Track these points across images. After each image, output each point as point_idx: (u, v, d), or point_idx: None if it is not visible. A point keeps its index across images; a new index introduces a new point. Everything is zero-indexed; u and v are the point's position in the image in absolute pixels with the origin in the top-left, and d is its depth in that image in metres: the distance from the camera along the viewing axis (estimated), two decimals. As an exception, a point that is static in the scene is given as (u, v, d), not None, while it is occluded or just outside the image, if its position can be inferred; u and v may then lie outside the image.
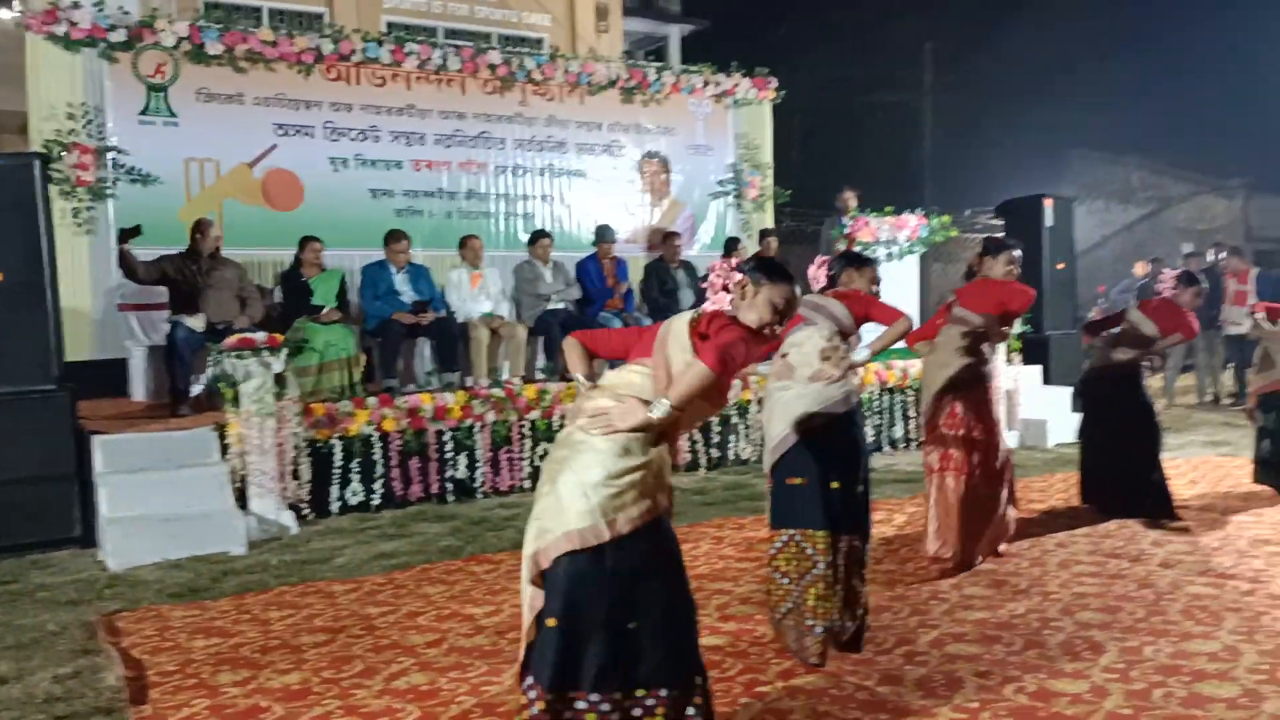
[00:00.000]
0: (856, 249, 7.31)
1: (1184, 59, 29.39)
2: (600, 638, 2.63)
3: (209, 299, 7.33)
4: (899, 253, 9.41)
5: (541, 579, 2.68)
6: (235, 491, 6.02)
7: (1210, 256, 12.23)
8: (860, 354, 4.14)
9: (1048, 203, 9.51)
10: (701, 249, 10.56)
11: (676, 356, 2.74)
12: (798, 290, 2.97)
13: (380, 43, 9.20)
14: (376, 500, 6.68)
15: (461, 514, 6.53)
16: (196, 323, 7.16)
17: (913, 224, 9.41)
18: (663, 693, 2.67)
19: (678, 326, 2.80)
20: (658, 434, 2.73)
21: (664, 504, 2.76)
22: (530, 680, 2.67)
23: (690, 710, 2.70)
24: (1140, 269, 15.73)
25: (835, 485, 3.75)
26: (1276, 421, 6.47)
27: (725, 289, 2.91)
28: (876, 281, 4.35)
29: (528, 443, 7.21)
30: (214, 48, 8.41)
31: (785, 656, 3.72)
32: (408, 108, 9.42)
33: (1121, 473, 5.95)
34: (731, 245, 9.68)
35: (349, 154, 9.21)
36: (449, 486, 6.93)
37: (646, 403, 2.68)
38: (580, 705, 2.62)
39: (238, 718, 3.35)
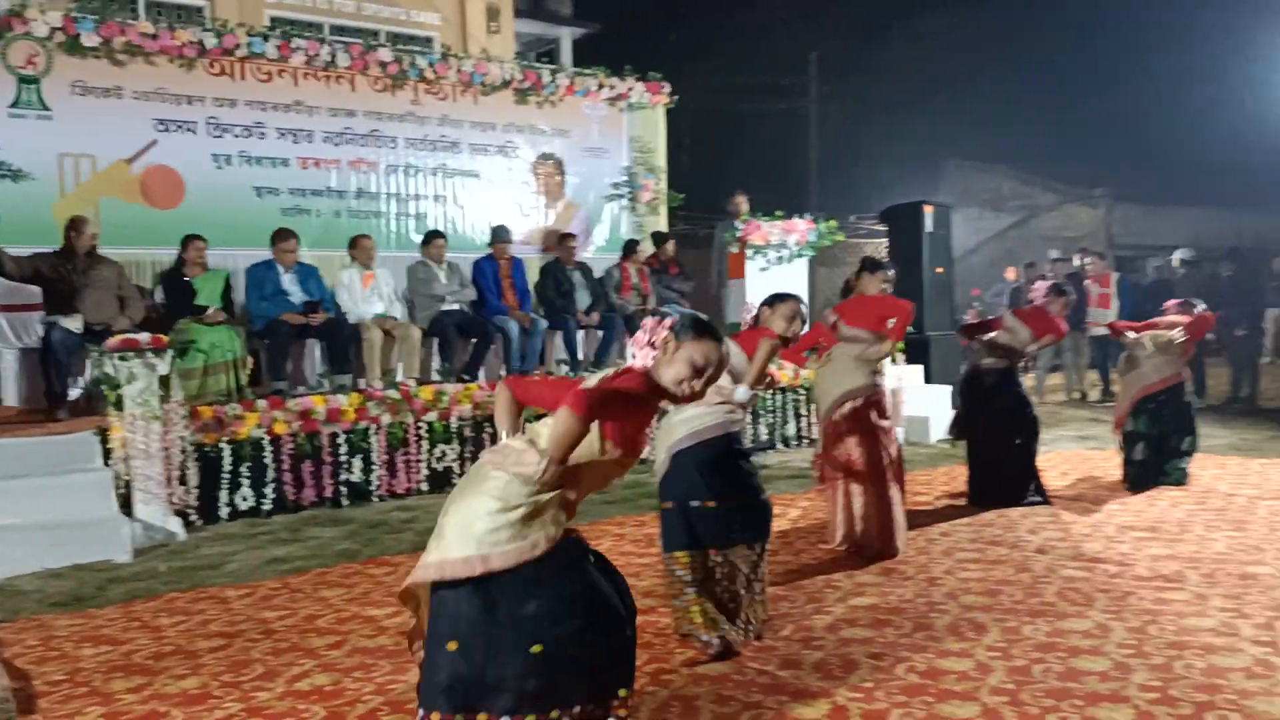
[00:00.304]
0: (749, 251, 7.50)
1: (1050, 76, 30.88)
2: (502, 660, 2.57)
3: (86, 299, 7.06)
4: (788, 256, 9.64)
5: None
6: (119, 497, 5.82)
7: (1077, 262, 12.85)
8: (741, 394, 4.11)
9: (928, 209, 9.87)
10: (596, 251, 10.62)
11: None
12: (724, 349, 2.80)
13: (266, 38, 8.98)
14: (268, 505, 6.53)
15: (357, 518, 6.45)
16: (74, 324, 6.90)
17: (801, 228, 9.66)
18: (576, 709, 2.61)
19: (589, 381, 2.72)
20: (556, 480, 2.67)
21: (550, 539, 2.66)
22: (426, 710, 2.60)
23: None
24: (1012, 274, 16.49)
25: (711, 504, 3.84)
26: (1148, 424, 6.86)
27: (651, 345, 2.72)
28: (798, 315, 4.49)
29: (424, 445, 7.15)
30: (90, 39, 8.09)
31: (688, 645, 3.80)
32: (295, 104, 9.21)
33: (1002, 465, 6.26)
34: (630, 248, 9.76)
35: (233, 151, 8.95)
36: (343, 490, 6.82)
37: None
38: None
39: (134, 724, 3.27)
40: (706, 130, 23.79)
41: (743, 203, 10.20)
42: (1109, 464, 7.50)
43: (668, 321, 2.76)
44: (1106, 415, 10.41)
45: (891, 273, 5.67)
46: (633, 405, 2.71)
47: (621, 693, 2.71)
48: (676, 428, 3.97)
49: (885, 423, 5.27)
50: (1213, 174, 25.84)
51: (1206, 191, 24.54)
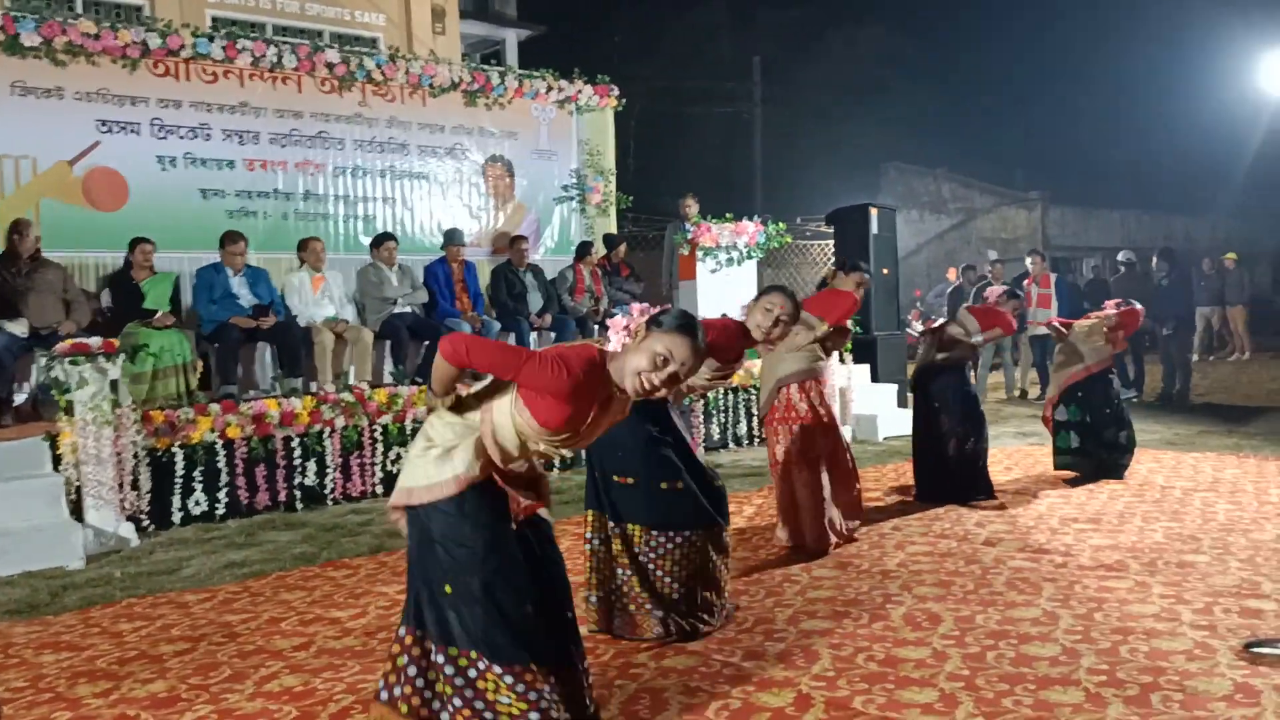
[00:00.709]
0: (700, 253, 7.57)
1: (987, 83, 31.53)
2: (430, 591, 2.78)
3: (31, 303, 6.96)
4: (738, 258, 9.77)
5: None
6: (69, 504, 5.74)
7: (1028, 264, 13.10)
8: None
9: (874, 212, 10.07)
10: (546, 253, 10.65)
11: None
12: (693, 347, 2.65)
13: (212, 38, 8.89)
14: (221, 510, 6.49)
15: (312, 521, 6.42)
16: (18, 328, 6.78)
17: (751, 231, 9.79)
18: (482, 663, 2.72)
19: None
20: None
21: (461, 480, 2.74)
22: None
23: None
24: (953, 274, 16.82)
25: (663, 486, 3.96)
26: (1078, 412, 7.12)
27: (627, 329, 2.66)
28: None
29: (379, 448, 7.14)
30: (30, 39, 7.95)
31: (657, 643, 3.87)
32: (241, 105, 9.13)
33: (950, 461, 6.42)
34: (584, 250, 9.80)
35: (178, 152, 8.85)
36: (298, 494, 6.80)
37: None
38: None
39: (103, 728, 3.26)
40: (650, 134, 23.92)
41: (692, 205, 10.31)
42: (1050, 459, 7.71)
43: (653, 311, 2.72)
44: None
45: (867, 275, 5.80)
46: (576, 387, 2.61)
47: (533, 666, 2.72)
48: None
49: (823, 410, 5.37)
50: (1143, 179, 26.71)
51: (1137, 195, 25.32)
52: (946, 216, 23.49)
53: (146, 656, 3.90)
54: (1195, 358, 13.52)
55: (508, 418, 2.72)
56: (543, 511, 2.88)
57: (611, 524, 3.97)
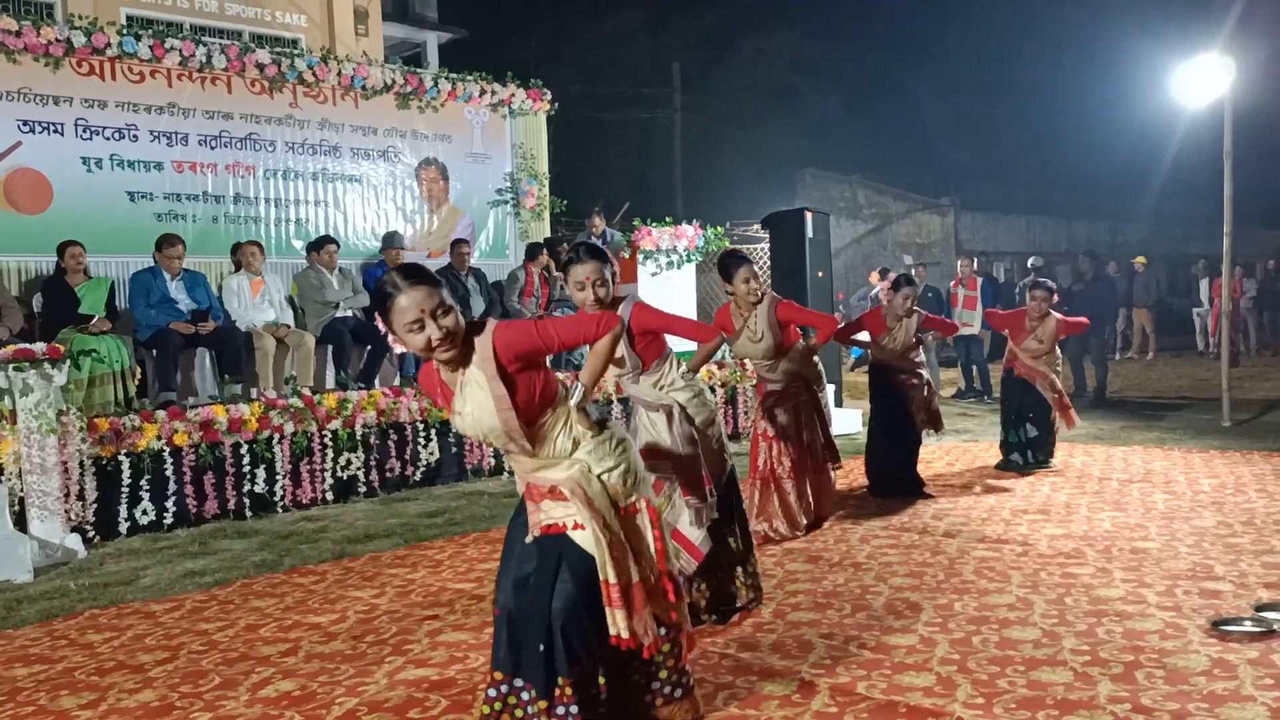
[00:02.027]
0: (640, 256, 7.64)
1: (898, 90, 32.32)
2: None
3: (-41, 308, 6.66)
4: (678, 261, 9.85)
5: None
6: (12, 515, 5.51)
7: (958, 267, 13.45)
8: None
9: (809, 216, 10.24)
10: (481, 256, 10.59)
11: None
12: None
13: (139, 37, 8.63)
14: (169, 519, 6.30)
15: (264, 529, 6.28)
16: (-54, 334, 6.49)
17: (690, 234, 9.89)
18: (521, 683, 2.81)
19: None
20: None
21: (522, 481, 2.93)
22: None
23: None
24: (874, 278, 17.20)
25: None
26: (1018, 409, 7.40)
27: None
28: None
29: (329, 454, 7.01)
30: (-51, 35, 7.63)
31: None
32: (169, 106, 8.88)
33: (899, 453, 6.61)
34: (534, 251, 9.73)
35: (104, 154, 8.57)
36: (247, 501, 6.63)
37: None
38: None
39: (100, 740, 3.15)
40: (569, 138, 23.91)
41: (599, 223, 10.42)
42: (988, 454, 7.98)
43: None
44: (975, 410, 11.06)
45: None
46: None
47: (560, 680, 2.75)
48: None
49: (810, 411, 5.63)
50: (1049, 185, 27.71)
51: (1043, 201, 26.24)
52: (862, 222, 23.98)
53: (126, 667, 3.78)
54: (1116, 357, 14.07)
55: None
56: (575, 535, 2.80)
57: None
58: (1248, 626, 3.78)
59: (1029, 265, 13.22)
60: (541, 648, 2.74)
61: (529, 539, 2.84)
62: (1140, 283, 17.10)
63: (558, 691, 2.73)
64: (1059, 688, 3.32)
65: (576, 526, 2.78)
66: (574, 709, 2.72)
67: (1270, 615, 3.87)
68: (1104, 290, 12.19)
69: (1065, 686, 3.33)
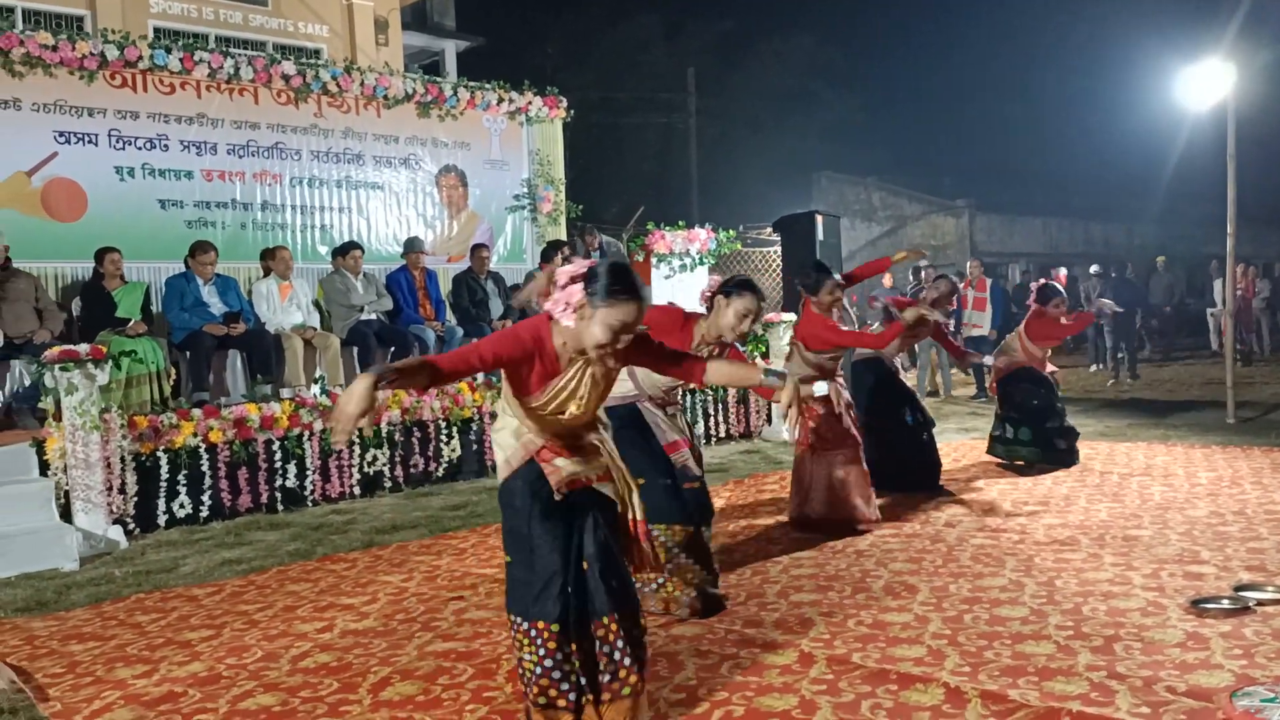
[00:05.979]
0: (654, 259, 7.87)
1: (914, 93, 32.48)
2: None
3: (4, 313, 7.00)
4: (691, 264, 10.11)
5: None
6: (59, 507, 5.83)
7: (968, 269, 13.65)
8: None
9: (820, 219, 10.48)
10: (499, 261, 10.87)
11: None
12: (638, 309, 2.83)
13: (169, 50, 8.97)
14: (205, 512, 6.60)
15: (295, 522, 6.57)
16: (-7, 337, 6.82)
17: (703, 238, 10.14)
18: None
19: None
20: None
21: (526, 449, 3.05)
22: None
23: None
24: (888, 280, 17.39)
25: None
26: (1018, 407, 7.61)
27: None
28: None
29: (356, 450, 7.30)
30: (-12, 51, 7.97)
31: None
32: (198, 116, 9.21)
33: (900, 448, 6.83)
34: (551, 252, 9.95)
35: (136, 163, 8.90)
36: (279, 495, 6.94)
37: None
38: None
39: (159, 702, 3.43)
40: (585, 143, 24.21)
41: (593, 240, 10.69)
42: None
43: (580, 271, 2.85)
44: (985, 409, 11.25)
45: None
46: (518, 334, 2.90)
47: (539, 624, 2.98)
48: None
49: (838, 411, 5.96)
50: (1064, 187, 27.80)
51: (1059, 203, 26.34)
52: (877, 224, 24.20)
53: (174, 643, 4.07)
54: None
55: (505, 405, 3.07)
56: (602, 486, 3.07)
57: None
58: (1225, 604, 4.01)
59: (1090, 272, 13.94)
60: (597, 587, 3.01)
61: (557, 496, 3.02)
62: (1158, 283, 17.22)
63: (601, 630, 2.99)
64: (1041, 658, 3.56)
65: (602, 479, 3.07)
66: (619, 644, 2.98)
67: (1248, 594, 4.10)
68: (1129, 293, 12.53)
69: (1047, 657, 3.57)
